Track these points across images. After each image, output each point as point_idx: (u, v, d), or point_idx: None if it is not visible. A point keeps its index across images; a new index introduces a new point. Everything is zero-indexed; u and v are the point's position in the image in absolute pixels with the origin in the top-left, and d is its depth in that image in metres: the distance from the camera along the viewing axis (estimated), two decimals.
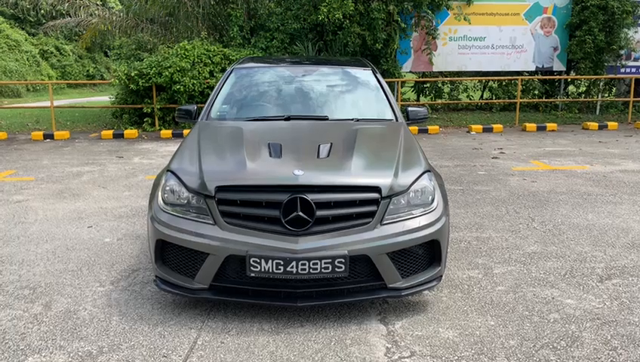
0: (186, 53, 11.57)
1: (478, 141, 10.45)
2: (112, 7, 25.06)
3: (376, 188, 3.07)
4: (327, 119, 4.24)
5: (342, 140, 3.63)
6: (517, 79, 13.64)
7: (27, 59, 31.09)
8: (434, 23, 13.19)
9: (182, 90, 11.35)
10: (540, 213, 5.43)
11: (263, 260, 2.91)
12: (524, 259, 4.19)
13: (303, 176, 3.03)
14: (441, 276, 3.34)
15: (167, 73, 11.27)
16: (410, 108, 4.65)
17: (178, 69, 11.33)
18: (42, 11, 25.48)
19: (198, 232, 3.04)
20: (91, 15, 14.33)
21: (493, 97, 15.03)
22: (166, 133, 11.24)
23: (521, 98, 13.55)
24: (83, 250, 4.41)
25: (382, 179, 3.13)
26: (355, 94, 4.74)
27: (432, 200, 3.26)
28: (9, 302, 3.44)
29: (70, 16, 15.12)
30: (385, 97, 4.59)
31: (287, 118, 4.19)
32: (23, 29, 32.63)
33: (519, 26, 13.78)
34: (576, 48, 13.55)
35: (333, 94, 4.71)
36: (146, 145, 10.12)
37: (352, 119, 4.23)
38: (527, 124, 12.00)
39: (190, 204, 3.15)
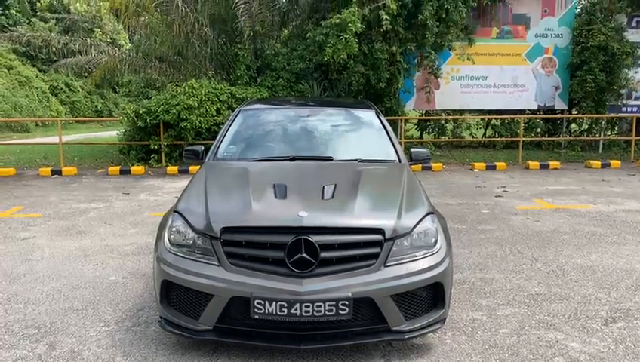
0: (194, 92, 11.79)
1: (482, 179, 10.51)
2: (122, 46, 25.71)
3: (379, 230, 3.11)
4: (332, 160, 4.32)
5: (346, 181, 3.70)
6: (519, 117, 13.78)
7: (37, 95, 31.67)
8: (436, 63, 13.42)
9: (189, 127, 11.53)
10: (544, 253, 5.44)
11: (267, 302, 2.93)
12: (528, 300, 4.18)
13: (308, 217, 3.08)
14: (445, 318, 3.34)
15: (174, 111, 11.48)
16: (413, 150, 4.73)
17: (186, 106, 11.54)
18: (54, 49, 26.11)
19: (203, 273, 3.08)
20: (102, 53, 14.66)
21: (496, 135, 15.16)
22: (172, 169, 11.36)
23: (523, 136, 13.68)
24: (88, 289, 4.43)
25: (385, 221, 3.18)
26: (359, 135, 4.84)
27: (435, 242, 3.30)
28: (14, 342, 3.45)
29: (81, 55, 15.47)
30: (388, 138, 4.68)
31: (292, 159, 4.27)
32: (34, 65, 33.33)
33: (521, 66, 14.01)
34: (577, 87, 13.74)
35: (337, 135, 4.81)
36: (152, 182, 10.23)
37: (356, 160, 4.31)
38: (530, 162, 12.07)
39: (196, 244, 3.20)
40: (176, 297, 3.23)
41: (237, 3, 12.06)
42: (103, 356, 3.26)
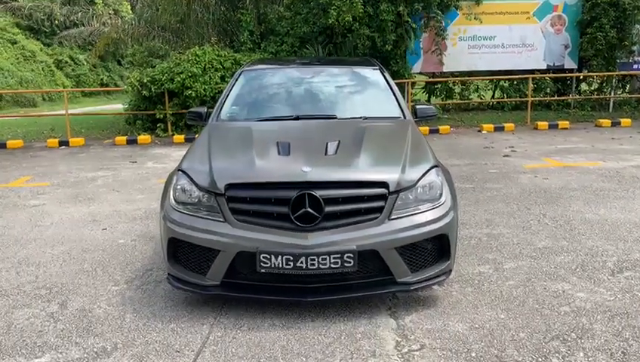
0: (197, 59, 11.69)
1: (490, 140, 10.41)
2: (125, 16, 25.40)
3: (383, 184, 3.10)
4: (336, 118, 4.28)
5: (350, 138, 3.67)
6: (528, 78, 13.56)
7: (42, 69, 31.61)
8: (443, 24, 13.16)
9: (193, 95, 11.46)
10: (552, 209, 5.41)
11: (272, 256, 2.95)
12: (535, 254, 4.18)
13: (311, 172, 3.07)
14: (451, 270, 3.36)
15: (178, 79, 11.40)
16: (418, 106, 4.68)
17: (190, 74, 11.45)
18: (56, 22, 25.88)
19: (209, 230, 3.09)
20: (104, 24, 14.54)
21: (505, 96, 14.95)
22: (179, 138, 11.36)
23: (532, 97, 13.48)
24: (98, 251, 4.49)
25: (389, 175, 3.16)
26: (363, 93, 4.78)
27: (440, 195, 3.28)
28: (26, 302, 3.52)
29: (83, 26, 15.35)
30: (393, 95, 4.61)
31: (296, 118, 4.23)
32: (38, 39, 33.16)
33: (529, 25, 13.71)
34: (587, 46, 13.44)
35: (341, 94, 4.75)
36: (159, 150, 10.24)
37: (360, 117, 4.26)
38: (539, 123, 11.93)
39: (201, 202, 3.21)
40: (183, 254, 3.26)
41: None
42: (113, 313, 3.31)
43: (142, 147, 10.78)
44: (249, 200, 3.09)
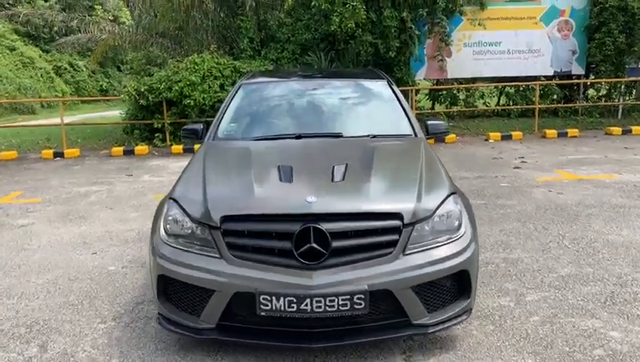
0: (196, 67, 11.40)
1: (498, 149, 10.09)
2: (124, 23, 25.17)
3: (397, 215, 2.78)
4: (342, 136, 3.97)
5: (358, 160, 3.35)
6: (535, 84, 13.25)
7: (41, 75, 31.37)
8: (447, 30, 12.87)
9: (192, 104, 11.17)
10: (571, 229, 5.09)
11: (274, 298, 2.63)
12: (559, 283, 3.85)
13: (317, 203, 2.75)
14: (471, 309, 3.02)
15: (177, 88, 11.11)
16: (429, 122, 4.36)
17: (188, 83, 11.16)
18: (55, 28, 25.65)
19: (202, 267, 2.77)
20: (102, 31, 14.26)
21: (511, 103, 14.64)
22: (177, 148, 11.05)
23: (539, 103, 13.16)
24: (85, 280, 4.16)
25: (404, 204, 2.84)
26: (370, 108, 4.46)
27: (459, 225, 2.96)
28: (3, 343, 3.20)
29: (80, 32, 15.07)
30: (402, 111, 4.30)
31: (299, 137, 3.91)
32: (37, 45, 32.93)
33: (536, 30, 13.40)
34: (595, 51, 13.13)
35: (346, 109, 4.44)
36: (156, 162, 9.93)
37: (368, 136, 3.95)
38: (548, 131, 11.61)
39: (194, 235, 2.89)
40: (174, 293, 2.94)
41: None
42: (98, 358, 2.99)
43: (139, 158, 10.47)
44: (247, 235, 2.77)
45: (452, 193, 3.06)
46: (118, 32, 13.72)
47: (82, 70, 34.33)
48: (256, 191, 2.96)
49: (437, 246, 2.84)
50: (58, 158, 10.72)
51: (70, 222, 5.87)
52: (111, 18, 32.95)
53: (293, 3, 14.05)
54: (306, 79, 5.10)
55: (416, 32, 12.62)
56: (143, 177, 8.44)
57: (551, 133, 11.49)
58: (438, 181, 3.18)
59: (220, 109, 4.41)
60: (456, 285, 2.93)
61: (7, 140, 13.13)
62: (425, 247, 2.81)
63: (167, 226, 3.00)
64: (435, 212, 2.89)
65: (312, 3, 12.05)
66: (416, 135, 4.06)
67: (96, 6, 34.66)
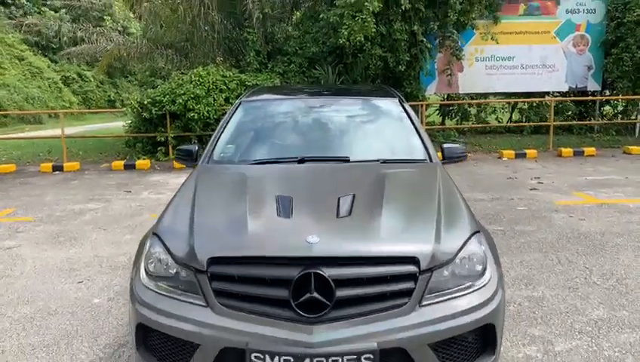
0: (201, 80, 11.11)
1: (512, 168, 9.68)
2: (133, 34, 25.04)
3: (413, 260, 2.39)
4: (349, 161, 3.59)
5: (367, 190, 2.98)
6: (550, 100, 12.85)
7: (49, 85, 31.37)
8: (459, 43, 12.52)
9: (196, 117, 10.87)
10: (598, 262, 4.66)
11: (267, 356, 2.25)
12: (590, 328, 3.44)
13: (319, 244, 2.38)
14: None
15: (180, 101, 10.81)
16: (445, 146, 3.99)
17: (192, 96, 10.87)
18: (65, 38, 25.60)
19: (185, 317, 2.40)
20: (107, 41, 14.01)
21: (524, 119, 14.24)
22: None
23: (554, 120, 12.74)
24: (66, 315, 3.80)
25: (420, 246, 2.46)
26: (381, 129, 4.08)
27: (484, 270, 2.56)
28: None
29: (85, 43, 14.86)
30: (415, 132, 3.93)
31: (302, 160, 3.55)
32: (45, 55, 32.96)
33: (550, 45, 13.04)
34: (612, 67, 12.74)
35: (354, 130, 4.06)
36: (157, 177, 9.60)
37: (378, 160, 3.57)
38: (563, 149, 11.17)
39: (179, 277, 2.52)
40: (155, 343, 2.56)
41: None
42: None
43: (140, 173, 10.14)
44: (237, 280, 2.39)
45: (475, 232, 2.68)
46: (123, 42, 13.48)
47: (90, 80, 34.32)
48: (249, 227, 2.59)
49: (458, 296, 2.45)
50: (57, 172, 10.41)
51: (59, 245, 5.52)
52: (120, 29, 32.96)
53: (302, 16, 13.80)
54: (311, 96, 4.73)
55: (427, 46, 12.30)
56: (141, 194, 8.11)
57: (567, 151, 11.05)
58: (459, 217, 2.79)
59: (217, 129, 4.06)
60: (480, 340, 2.53)
61: (8, 152, 12.88)
62: (444, 297, 2.42)
63: (149, 266, 2.63)
64: (456, 255, 2.50)
65: (321, 15, 11.77)
66: (431, 160, 3.68)
67: (105, 17, 34.68)
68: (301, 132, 4.01)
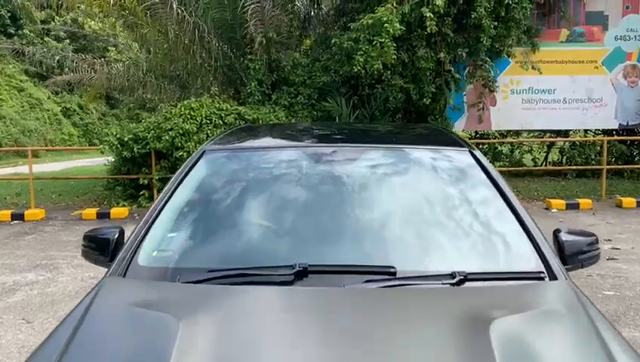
0: (192, 113, 9.46)
1: (567, 223, 7.81)
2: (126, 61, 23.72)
3: None
4: (395, 276, 1.81)
5: None
6: (599, 140, 11.07)
7: (48, 117, 30.20)
8: (492, 74, 10.84)
9: (185, 156, 9.15)
10: None
11: None
12: None
13: None
14: None
15: (167, 137, 9.16)
16: (565, 238, 2.20)
17: (181, 132, 9.21)
18: (67, 69, 24.43)
19: None
20: (93, 71, 12.51)
21: (564, 160, 12.44)
22: None
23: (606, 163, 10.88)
24: None
25: None
26: (446, 207, 2.27)
27: None
28: None
29: (71, 72, 13.43)
30: (510, 211, 2.16)
31: (299, 274, 1.78)
32: (46, 87, 31.86)
33: (597, 76, 11.30)
34: None
35: (397, 209, 2.26)
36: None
37: (452, 277, 1.79)
38: (623, 198, 9.31)
39: None
40: None
41: (245, 4, 9.75)
42: None
43: (113, 223, 8.37)
44: None
45: None
46: (107, 71, 11.94)
47: (92, 113, 33.07)
48: None
49: None
50: (16, 221, 8.70)
51: None
52: (124, 60, 31.88)
53: (311, 42, 12.26)
54: (321, 142, 2.88)
55: (455, 76, 10.62)
56: None
57: (628, 201, 9.18)
58: None
59: (155, 203, 2.31)
60: None
61: None
62: None
63: None
64: None
65: (333, 41, 10.16)
66: (553, 274, 1.90)
67: (110, 47, 33.70)
68: (302, 214, 2.22)
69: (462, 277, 1.80)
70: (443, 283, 1.79)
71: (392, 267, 1.83)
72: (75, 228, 8.10)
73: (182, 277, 1.84)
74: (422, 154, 2.47)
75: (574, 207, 9.14)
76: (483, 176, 2.33)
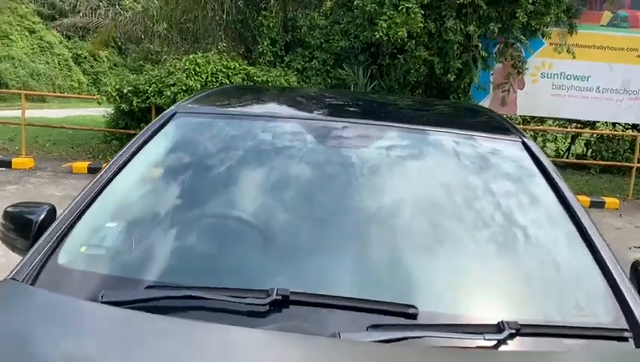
0: (197, 69, 8.82)
1: None
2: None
3: None
4: (415, 318, 1.22)
5: None
6: (630, 135, 10.32)
7: (58, 62, 29.49)
8: (523, 53, 10.06)
9: None
10: None
11: None
12: None
13: None
14: None
15: (168, 93, 8.53)
16: None
17: (184, 88, 8.58)
18: (81, 14, 23.69)
19: None
20: (99, 16, 11.84)
21: (588, 153, 11.72)
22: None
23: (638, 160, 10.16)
24: None
25: None
26: (494, 230, 1.63)
27: None
28: None
29: (78, 15, 12.76)
30: (577, 233, 1.54)
31: (274, 304, 1.21)
32: (56, 29, 31.07)
33: (637, 66, 10.48)
34: None
35: (425, 223, 1.62)
36: None
37: (500, 328, 1.20)
38: None
39: None
40: None
41: None
42: None
43: None
44: None
45: None
46: (112, 17, 11.25)
47: (103, 61, 32.33)
48: None
49: None
50: (2, 169, 8.19)
51: None
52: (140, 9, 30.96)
53: (332, 3, 11.45)
54: (329, 115, 2.17)
55: (483, 54, 9.84)
56: None
57: None
58: None
59: (98, 175, 1.72)
60: None
61: None
62: None
63: None
64: None
65: (355, 2, 9.38)
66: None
67: None
68: (294, 209, 1.59)
69: (513, 330, 1.21)
70: (486, 339, 1.21)
71: (413, 306, 1.24)
72: (62, 182, 7.59)
73: (105, 295, 1.25)
74: (464, 142, 1.82)
75: (599, 205, 8.49)
76: (543, 182, 1.71)
